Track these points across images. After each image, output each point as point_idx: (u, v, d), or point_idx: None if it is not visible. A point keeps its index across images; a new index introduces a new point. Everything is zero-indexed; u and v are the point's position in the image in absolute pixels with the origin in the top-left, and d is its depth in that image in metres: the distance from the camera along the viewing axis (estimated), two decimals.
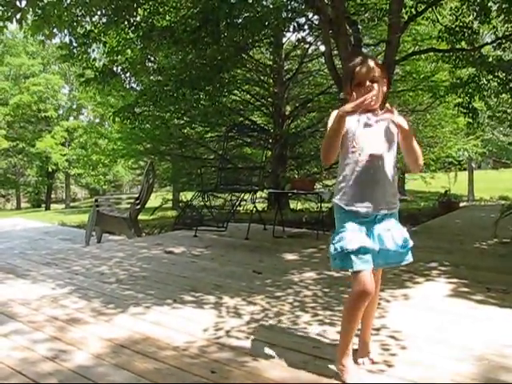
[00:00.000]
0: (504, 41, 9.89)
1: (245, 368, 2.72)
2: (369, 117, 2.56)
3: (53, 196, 47.52)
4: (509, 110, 13.82)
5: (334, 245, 2.55)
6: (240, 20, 9.80)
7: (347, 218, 2.56)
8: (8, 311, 3.83)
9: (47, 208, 39.31)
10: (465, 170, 28.54)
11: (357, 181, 2.54)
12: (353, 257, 2.47)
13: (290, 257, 6.08)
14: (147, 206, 9.27)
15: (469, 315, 3.61)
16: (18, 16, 6.75)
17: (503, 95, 11.29)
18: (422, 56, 12.72)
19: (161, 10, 9.86)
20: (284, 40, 15.78)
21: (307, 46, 14.95)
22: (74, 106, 41.59)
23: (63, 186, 47.08)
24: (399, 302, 3.95)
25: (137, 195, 8.97)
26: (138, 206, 8.61)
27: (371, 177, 2.53)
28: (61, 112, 40.61)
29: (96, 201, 9.29)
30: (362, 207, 2.53)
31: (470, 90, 10.65)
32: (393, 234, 2.58)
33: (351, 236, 2.50)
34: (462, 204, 14.99)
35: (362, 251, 2.47)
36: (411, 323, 3.44)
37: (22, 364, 2.81)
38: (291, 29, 10.42)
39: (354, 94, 2.55)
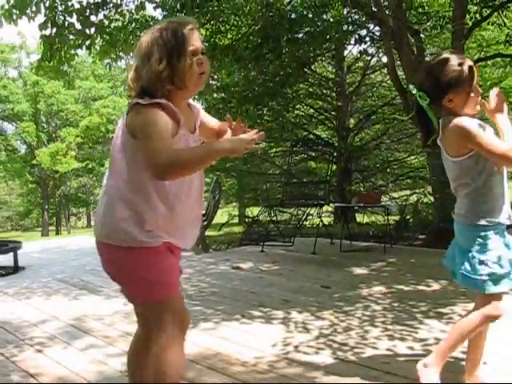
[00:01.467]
0: None
1: (315, 383, 2.71)
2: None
3: None
4: None
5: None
6: (301, 35, 9.85)
7: (503, 235, 2.42)
8: (83, 326, 3.96)
9: None
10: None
11: (503, 193, 2.41)
12: None
13: (358, 271, 6.01)
14: (214, 222, 9.39)
15: None
16: (88, 43, 7.01)
17: None
18: (489, 62, 12.43)
19: (222, 28, 10.04)
20: (346, 53, 15.72)
21: (369, 57, 14.85)
22: None
23: None
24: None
25: (203, 211, 9.09)
26: (205, 222, 8.72)
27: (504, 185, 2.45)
28: None
29: None
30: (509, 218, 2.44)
31: None
32: None
33: None
34: None
35: None
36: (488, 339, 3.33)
37: (98, 377, 2.90)
38: (353, 41, 10.41)
39: (472, 93, 2.36)
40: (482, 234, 2.39)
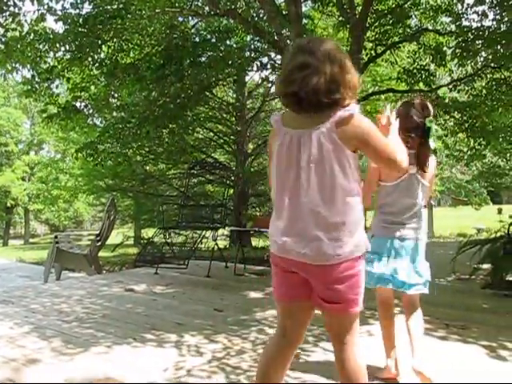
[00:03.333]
0: (459, 83, 10.28)
1: None
2: None
3: (11, 231, 46.53)
4: (465, 149, 14.18)
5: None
6: (203, 59, 9.93)
7: None
8: None
9: (5, 244, 38.45)
10: (424, 207, 28.96)
11: None
12: None
13: (251, 294, 6.07)
14: (108, 242, 9.17)
15: (430, 351, 3.65)
16: None
17: (459, 135, 11.64)
18: (382, 96, 13.04)
19: (125, 47, 9.92)
20: (247, 78, 15.99)
21: (270, 84, 15.17)
22: (35, 141, 41.03)
23: (22, 221, 46.20)
24: (363, 339, 3.96)
25: (97, 232, 8.86)
26: (99, 243, 8.50)
27: None
28: (21, 146, 40.05)
29: (56, 237, 9.13)
30: None
31: None
32: None
33: None
34: None
35: None
36: (374, 360, 3.45)
37: None
38: (254, 68, 10.61)
39: None
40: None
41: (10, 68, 8.26)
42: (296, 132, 2.14)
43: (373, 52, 9.80)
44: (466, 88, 10.45)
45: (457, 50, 8.47)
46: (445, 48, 10.25)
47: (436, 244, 14.94)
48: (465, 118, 10.40)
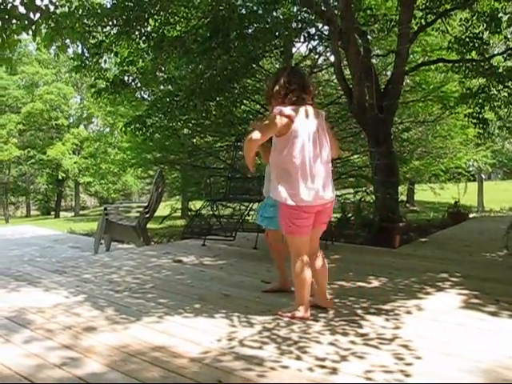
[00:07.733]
0: None
1: (259, 378, 2.72)
2: None
3: (62, 204, 47.68)
4: None
5: None
6: (250, 30, 9.85)
7: None
8: (22, 319, 3.85)
9: (56, 216, 39.44)
10: (474, 180, 28.41)
11: None
12: None
13: None
14: (156, 214, 9.31)
15: (479, 327, 3.60)
16: (33, 28, 6.79)
17: None
18: (432, 66, 12.72)
19: (171, 20, 9.94)
20: (294, 50, 15.83)
21: (317, 56, 14.98)
22: (85, 115, 41.70)
23: (73, 194, 47.23)
24: (412, 314, 3.94)
25: (146, 204, 8.99)
26: (147, 215, 8.64)
27: None
28: (71, 121, 40.80)
29: (105, 209, 9.31)
30: None
31: (480, 101, 10.62)
32: None
33: None
34: (471, 215, 14.90)
35: None
36: (423, 335, 3.43)
37: (31, 371, 2.82)
38: (301, 39, 10.48)
39: None
40: None
41: (60, 45, 8.35)
42: None
43: (423, 21, 9.52)
44: None
45: None
46: (500, 14, 9.87)
47: (487, 218, 14.64)
48: None
